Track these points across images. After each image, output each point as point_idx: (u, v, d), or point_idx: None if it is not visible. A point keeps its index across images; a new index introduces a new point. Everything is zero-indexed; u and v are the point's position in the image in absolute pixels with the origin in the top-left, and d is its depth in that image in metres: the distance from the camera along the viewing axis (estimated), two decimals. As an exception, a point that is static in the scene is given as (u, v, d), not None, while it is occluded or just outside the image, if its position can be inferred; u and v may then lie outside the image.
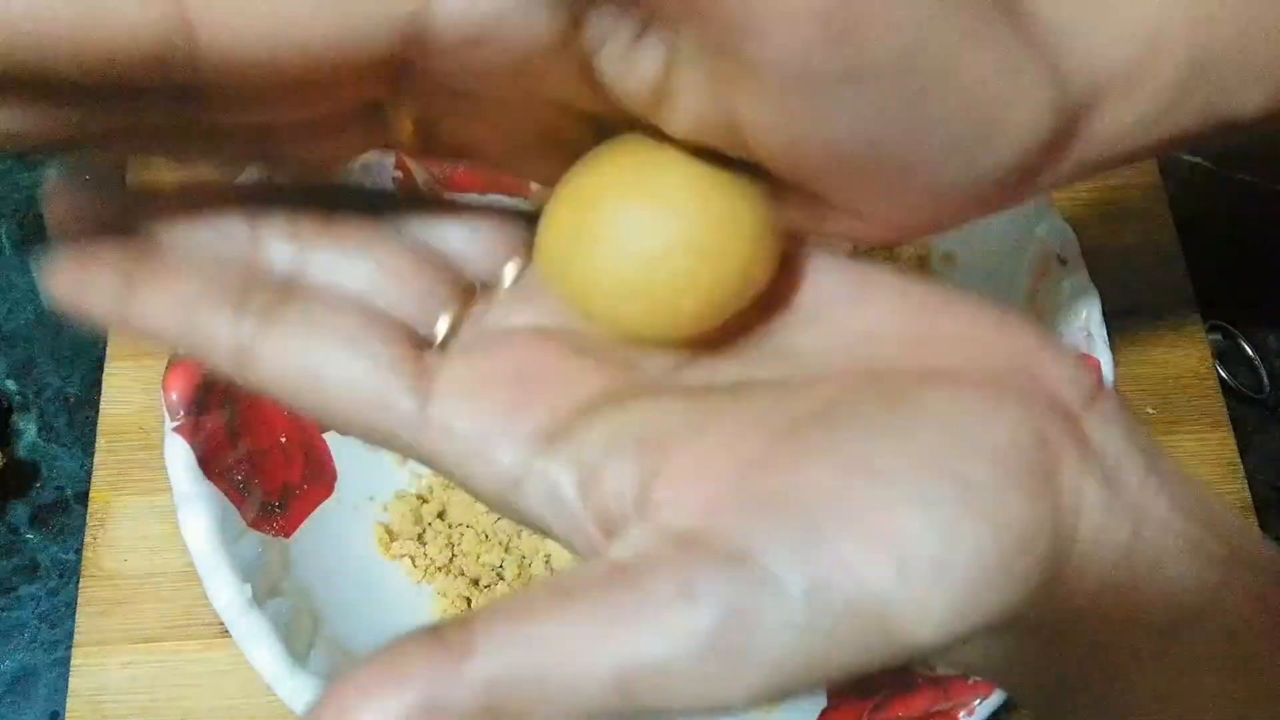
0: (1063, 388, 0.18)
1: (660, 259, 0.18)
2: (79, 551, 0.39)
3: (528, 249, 0.21)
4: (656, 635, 0.15)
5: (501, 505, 0.18)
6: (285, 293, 0.19)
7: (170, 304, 0.19)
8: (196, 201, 0.19)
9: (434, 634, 0.15)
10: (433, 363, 0.19)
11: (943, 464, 0.16)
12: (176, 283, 0.19)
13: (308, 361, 0.18)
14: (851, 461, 0.16)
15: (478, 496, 0.19)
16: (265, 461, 0.34)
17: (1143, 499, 0.17)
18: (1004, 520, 0.16)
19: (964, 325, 0.19)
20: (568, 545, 0.18)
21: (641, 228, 0.18)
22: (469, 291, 0.20)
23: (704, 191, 0.18)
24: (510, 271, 0.21)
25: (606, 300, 0.18)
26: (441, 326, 0.20)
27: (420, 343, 0.19)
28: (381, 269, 0.20)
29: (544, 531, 0.18)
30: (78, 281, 0.19)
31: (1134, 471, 0.17)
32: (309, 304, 0.19)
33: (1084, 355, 0.19)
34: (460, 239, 0.21)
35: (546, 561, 0.38)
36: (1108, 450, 0.17)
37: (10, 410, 0.42)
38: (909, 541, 0.15)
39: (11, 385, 0.43)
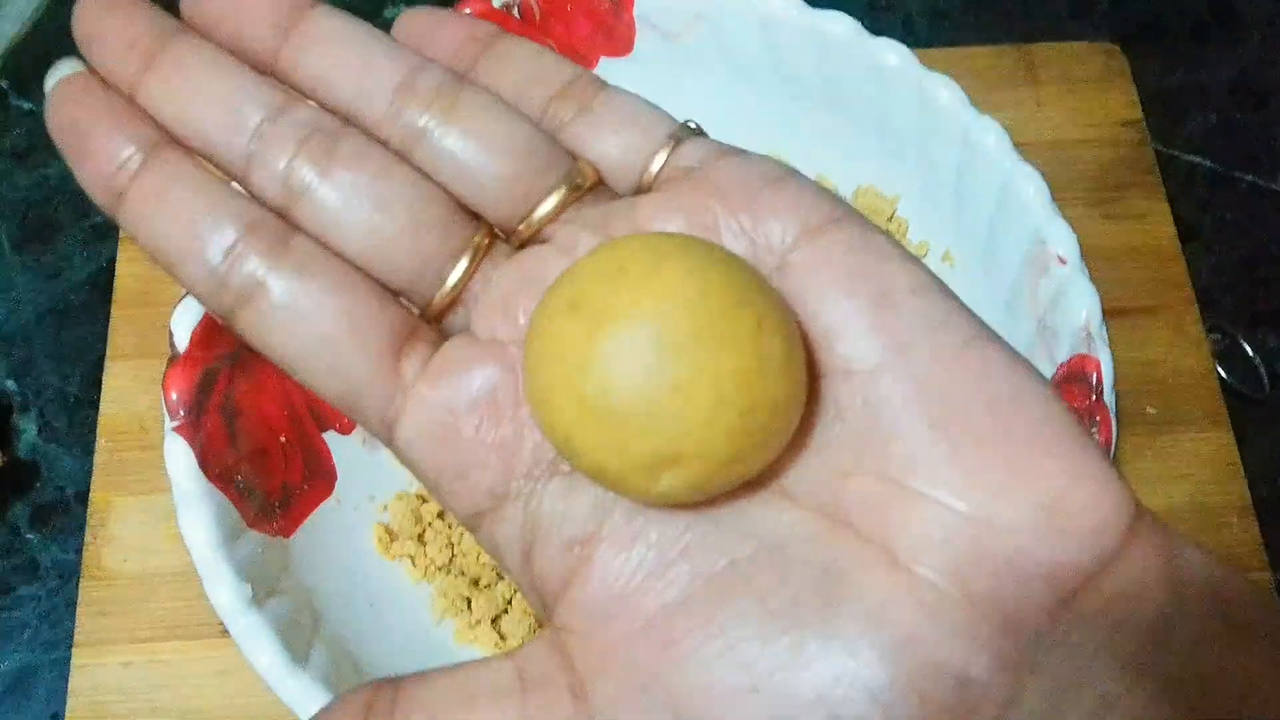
0: (1054, 573, 0.16)
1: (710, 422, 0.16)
2: (79, 551, 0.39)
3: (569, 187, 0.19)
4: None
5: None
6: (282, 242, 0.18)
7: (174, 205, 0.18)
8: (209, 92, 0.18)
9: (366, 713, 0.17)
10: (413, 362, 0.18)
11: (834, 698, 0.15)
12: (184, 182, 0.18)
13: (289, 341, 0.18)
14: (742, 665, 0.16)
15: None
16: (265, 461, 0.34)
17: None
18: None
19: (975, 460, 0.16)
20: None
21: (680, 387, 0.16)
22: (480, 248, 0.19)
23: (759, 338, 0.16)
24: (538, 216, 0.19)
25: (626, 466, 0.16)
26: (440, 295, 0.19)
27: (415, 312, 0.19)
28: (386, 216, 0.18)
29: None
30: (91, 106, 0.18)
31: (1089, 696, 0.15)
32: (300, 270, 0.18)
33: (1121, 487, 0.17)
34: (487, 168, 0.19)
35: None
36: (1074, 658, 0.15)
37: (10, 410, 0.42)
38: None
39: (11, 385, 0.43)
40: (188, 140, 0.19)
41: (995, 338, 0.17)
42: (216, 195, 0.18)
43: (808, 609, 0.16)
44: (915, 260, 0.18)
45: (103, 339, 0.42)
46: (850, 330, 0.17)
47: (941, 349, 0.17)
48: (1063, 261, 0.34)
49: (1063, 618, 0.16)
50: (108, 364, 0.42)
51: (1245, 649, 0.16)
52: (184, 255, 0.18)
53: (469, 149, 0.19)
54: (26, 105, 0.48)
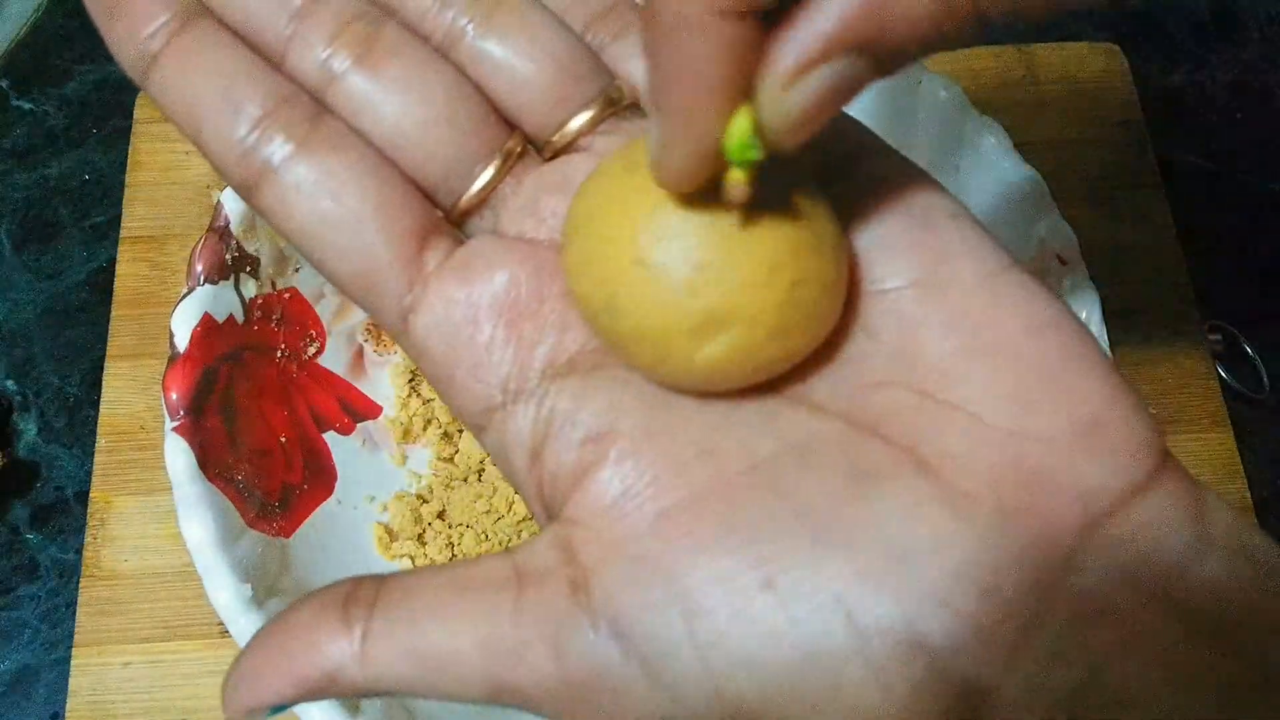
0: (1086, 493, 0.16)
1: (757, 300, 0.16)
2: (79, 551, 0.39)
3: (605, 102, 0.19)
4: (523, 669, 0.16)
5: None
6: (314, 119, 0.18)
7: (207, 72, 0.18)
8: None
9: (343, 609, 0.16)
10: (435, 254, 0.18)
11: (854, 598, 0.15)
12: (220, 50, 0.18)
13: (313, 215, 0.18)
14: (758, 560, 0.15)
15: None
16: (265, 461, 0.34)
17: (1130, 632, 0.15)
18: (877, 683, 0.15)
19: (1010, 376, 0.16)
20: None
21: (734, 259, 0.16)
22: (512, 153, 0.19)
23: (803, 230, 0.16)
24: (574, 127, 0.19)
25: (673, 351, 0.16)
26: (468, 194, 0.19)
27: (441, 210, 0.19)
28: (421, 107, 0.18)
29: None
30: None
31: (1129, 600, 0.15)
32: (332, 146, 0.18)
33: (1152, 423, 0.16)
34: (527, 71, 0.19)
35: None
36: (1101, 584, 0.15)
37: (10, 410, 0.42)
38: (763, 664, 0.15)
39: (11, 385, 0.43)
40: (227, 16, 0.18)
41: (1028, 269, 0.17)
42: (250, 66, 0.18)
43: (833, 508, 0.15)
44: (951, 193, 0.18)
45: (103, 339, 0.42)
46: (889, 248, 0.17)
47: (978, 271, 0.17)
48: (1063, 261, 0.34)
49: (1090, 541, 0.15)
50: (108, 364, 0.42)
51: (1275, 591, 0.16)
52: (212, 123, 0.18)
53: (509, 52, 0.19)
54: (26, 105, 0.48)
